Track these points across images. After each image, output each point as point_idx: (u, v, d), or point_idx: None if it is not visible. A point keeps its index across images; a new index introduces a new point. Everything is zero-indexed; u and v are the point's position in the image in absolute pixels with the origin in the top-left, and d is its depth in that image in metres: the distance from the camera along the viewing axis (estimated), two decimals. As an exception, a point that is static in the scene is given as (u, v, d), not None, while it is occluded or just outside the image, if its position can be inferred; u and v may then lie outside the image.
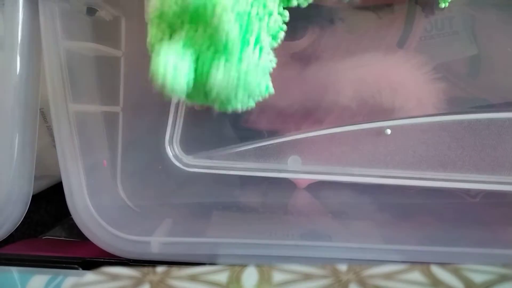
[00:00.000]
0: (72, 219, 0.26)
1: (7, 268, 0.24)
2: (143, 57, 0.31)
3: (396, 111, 0.29)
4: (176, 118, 0.30)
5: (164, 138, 0.30)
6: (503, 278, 0.17)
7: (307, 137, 0.30)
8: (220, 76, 0.19)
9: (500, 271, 0.18)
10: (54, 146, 0.27)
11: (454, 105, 0.30)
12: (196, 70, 0.20)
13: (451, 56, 0.32)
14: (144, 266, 0.25)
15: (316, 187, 0.32)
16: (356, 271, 0.18)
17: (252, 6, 0.20)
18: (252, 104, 0.21)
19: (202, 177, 0.30)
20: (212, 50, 0.20)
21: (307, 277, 0.18)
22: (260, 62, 0.20)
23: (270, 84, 0.21)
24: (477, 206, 0.30)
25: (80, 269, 0.26)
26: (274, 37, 0.21)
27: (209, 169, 0.30)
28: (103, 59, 0.30)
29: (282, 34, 0.22)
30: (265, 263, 0.19)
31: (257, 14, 0.20)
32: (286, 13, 0.22)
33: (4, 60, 0.25)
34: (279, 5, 0.21)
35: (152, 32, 0.21)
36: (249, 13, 0.20)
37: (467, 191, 0.30)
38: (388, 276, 0.18)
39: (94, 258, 0.26)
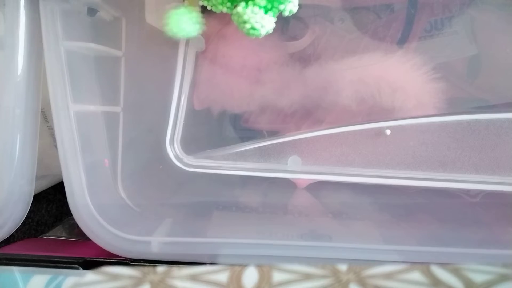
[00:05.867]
0: (72, 219, 0.27)
1: (8, 268, 0.24)
2: (143, 57, 0.31)
3: (396, 111, 0.29)
4: (176, 118, 0.30)
5: (164, 138, 0.30)
6: (503, 278, 0.17)
7: (307, 137, 0.30)
8: None
9: (500, 271, 0.18)
10: (55, 146, 0.27)
11: (454, 106, 0.30)
12: None
13: (451, 56, 0.32)
14: (144, 266, 0.25)
15: (316, 187, 0.32)
16: (356, 271, 0.18)
17: None
18: None
19: (202, 177, 0.30)
20: None
21: (307, 277, 0.18)
22: None
23: None
24: (477, 206, 0.30)
25: (81, 269, 0.26)
26: None
27: (209, 169, 0.30)
28: (104, 59, 0.30)
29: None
30: (265, 263, 0.19)
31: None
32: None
33: (5, 60, 0.25)
34: None
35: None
36: None
37: (466, 191, 0.31)
38: (388, 276, 0.18)
39: (94, 258, 0.26)
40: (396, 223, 0.29)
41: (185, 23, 0.24)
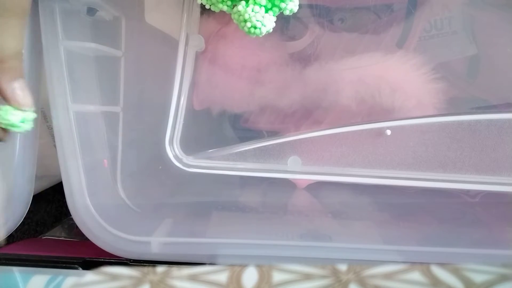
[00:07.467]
0: (72, 219, 0.27)
1: (7, 268, 0.24)
2: (143, 57, 0.31)
3: (396, 112, 0.29)
4: (176, 119, 0.30)
5: (164, 138, 0.30)
6: (503, 278, 0.17)
7: (307, 138, 0.30)
8: None
9: (500, 271, 0.18)
10: (55, 146, 0.27)
11: (454, 106, 0.30)
12: None
13: (450, 56, 0.32)
14: (144, 266, 0.25)
15: (316, 187, 0.32)
16: (356, 271, 0.18)
17: None
18: None
19: (202, 177, 0.30)
20: None
21: (307, 277, 0.18)
22: None
23: None
24: (476, 206, 0.30)
25: (80, 269, 0.26)
26: None
27: (209, 169, 0.30)
28: (103, 59, 0.30)
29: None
30: (265, 263, 0.19)
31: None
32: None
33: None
34: None
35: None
36: None
37: (466, 191, 0.31)
38: (388, 276, 0.18)
39: (94, 258, 0.26)
40: (396, 223, 0.29)
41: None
